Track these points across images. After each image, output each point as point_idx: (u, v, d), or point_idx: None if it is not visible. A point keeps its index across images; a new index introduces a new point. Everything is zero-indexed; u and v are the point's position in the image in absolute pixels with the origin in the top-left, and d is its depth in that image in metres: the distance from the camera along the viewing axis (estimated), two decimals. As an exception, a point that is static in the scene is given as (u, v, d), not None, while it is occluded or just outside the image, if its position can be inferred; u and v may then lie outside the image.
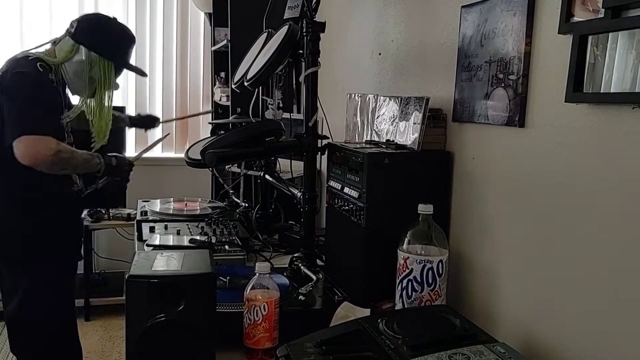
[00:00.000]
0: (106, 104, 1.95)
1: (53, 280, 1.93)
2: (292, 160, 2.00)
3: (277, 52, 1.69)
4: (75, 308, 2.16)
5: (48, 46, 1.93)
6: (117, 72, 1.97)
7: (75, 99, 2.02)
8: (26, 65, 1.80)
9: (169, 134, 2.31)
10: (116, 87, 1.99)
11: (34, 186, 1.85)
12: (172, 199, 2.59)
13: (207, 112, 2.34)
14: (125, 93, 4.05)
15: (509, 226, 1.27)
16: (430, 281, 1.25)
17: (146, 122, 2.47)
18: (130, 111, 4.05)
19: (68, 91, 1.96)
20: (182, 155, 1.86)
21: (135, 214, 2.52)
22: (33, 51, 1.89)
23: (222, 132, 2.31)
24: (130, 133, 4.07)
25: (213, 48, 3.66)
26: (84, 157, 1.85)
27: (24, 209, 1.87)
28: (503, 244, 1.29)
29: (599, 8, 0.99)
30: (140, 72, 2.16)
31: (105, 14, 2.03)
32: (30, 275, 1.89)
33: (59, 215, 1.93)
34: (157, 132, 3.16)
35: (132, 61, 2.05)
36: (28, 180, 1.82)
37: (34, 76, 1.78)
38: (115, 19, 1.99)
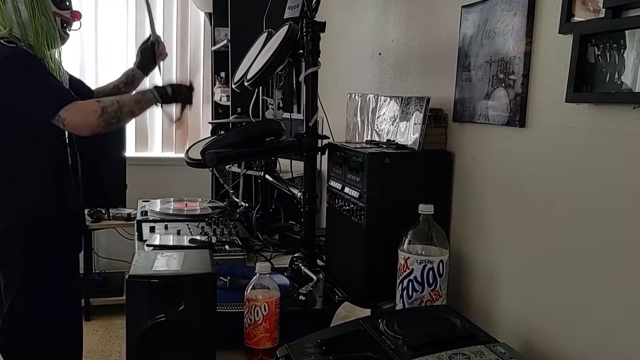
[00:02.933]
0: (55, 33, 1.78)
1: (52, 280, 1.91)
2: (292, 160, 2.00)
3: (277, 52, 1.69)
4: (80, 308, 2.11)
5: None
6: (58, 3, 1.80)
7: None
8: (9, 51, 1.67)
9: None
10: (77, 15, 1.83)
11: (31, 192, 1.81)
12: (172, 199, 2.59)
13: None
14: (125, 93, 4.05)
15: (509, 226, 1.27)
16: (430, 281, 1.25)
17: (149, 51, 2.23)
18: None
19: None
20: (182, 155, 1.85)
21: (136, 214, 2.52)
22: None
23: (222, 132, 2.31)
24: (130, 134, 4.08)
25: (213, 48, 3.66)
26: (133, 99, 1.78)
27: (16, 210, 1.82)
28: (503, 244, 1.29)
29: (599, 8, 0.99)
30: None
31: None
32: (29, 277, 1.86)
33: (56, 213, 1.89)
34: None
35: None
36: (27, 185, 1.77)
37: (13, 56, 1.67)
38: None
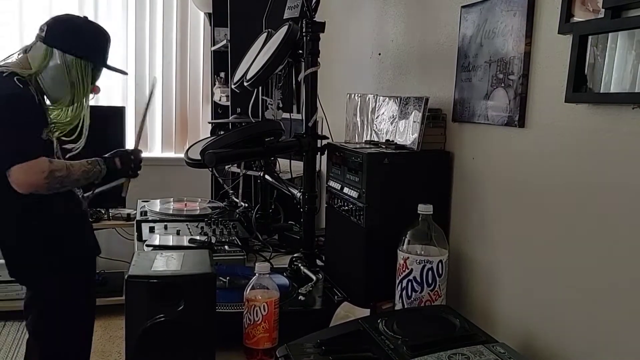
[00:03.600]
0: (85, 107, 1.88)
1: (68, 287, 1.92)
2: (292, 161, 2.00)
3: (276, 52, 1.69)
4: (94, 312, 2.13)
5: (19, 55, 1.85)
6: (96, 74, 1.89)
7: None
8: (3, 84, 1.71)
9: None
10: (97, 90, 1.92)
11: (34, 207, 1.81)
12: (171, 199, 2.59)
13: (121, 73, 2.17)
14: (125, 93, 4.05)
15: (509, 226, 1.27)
16: (430, 281, 1.25)
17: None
18: (130, 112, 4.06)
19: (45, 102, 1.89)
20: (182, 155, 1.85)
21: (135, 214, 2.52)
22: (7, 62, 1.82)
23: (221, 132, 2.31)
24: (130, 134, 4.08)
25: (213, 48, 3.66)
26: (82, 169, 1.79)
27: (25, 229, 1.84)
28: (503, 244, 1.29)
29: (598, 8, 0.99)
30: (121, 71, 2.05)
31: (77, 14, 1.95)
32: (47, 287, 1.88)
33: (63, 230, 1.91)
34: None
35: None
36: (27, 200, 1.76)
37: (13, 96, 1.70)
38: (86, 17, 1.91)
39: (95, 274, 2.08)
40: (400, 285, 1.28)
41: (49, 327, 1.92)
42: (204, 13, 4.05)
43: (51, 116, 1.87)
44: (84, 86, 1.84)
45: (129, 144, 3.98)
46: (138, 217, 2.28)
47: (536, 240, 1.18)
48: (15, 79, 1.72)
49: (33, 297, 1.95)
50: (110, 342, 3.35)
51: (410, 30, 1.74)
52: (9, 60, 1.84)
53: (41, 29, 1.83)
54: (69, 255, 1.90)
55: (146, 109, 2.12)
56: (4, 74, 1.73)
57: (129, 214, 3.58)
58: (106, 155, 1.90)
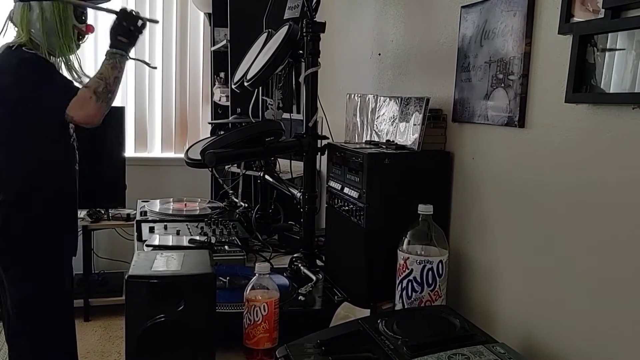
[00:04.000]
0: (72, 44, 1.96)
1: (48, 278, 1.93)
2: (292, 161, 2.00)
3: (277, 53, 1.69)
4: (72, 307, 2.15)
5: (7, 24, 1.95)
6: (78, 12, 1.95)
7: None
8: (13, 55, 1.84)
9: None
10: (92, 29, 1.99)
11: (32, 181, 1.90)
12: (171, 199, 2.59)
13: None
14: (125, 93, 4.05)
15: (509, 226, 1.27)
16: (430, 281, 1.25)
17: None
18: (130, 112, 4.06)
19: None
20: (182, 155, 1.86)
21: (135, 214, 2.52)
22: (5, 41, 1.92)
23: (221, 132, 2.31)
24: (130, 134, 4.08)
25: (213, 48, 3.66)
26: (110, 67, 1.89)
27: (18, 205, 1.89)
28: (503, 244, 1.29)
29: (598, 8, 0.99)
30: (107, 10, 2.04)
31: None
32: (25, 274, 1.89)
33: (54, 212, 1.94)
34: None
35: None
36: (27, 174, 1.88)
37: (25, 60, 1.83)
38: None
39: (71, 273, 2.11)
40: (400, 286, 1.28)
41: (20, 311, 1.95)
42: (204, 13, 4.05)
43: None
44: (68, 27, 1.92)
45: (129, 144, 3.99)
46: (138, 217, 2.28)
47: (536, 240, 1.18)
48: (23, 48, 1.85)
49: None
50: (110, 342, 3.35)
51: (410, 31, 1.74)
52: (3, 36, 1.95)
53: None
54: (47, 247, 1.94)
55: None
56: (13, 47, 1.87)
57: (128, 214, 3.58)
58: (110, 44, 1.95)
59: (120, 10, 1.98)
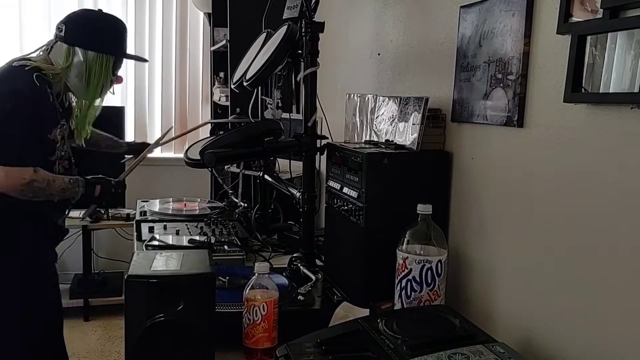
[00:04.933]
0: (99, 100, 1.92)
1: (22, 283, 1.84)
2: (291, 161, 2.00)
3: (276, 52, 1.69)
4: (59, 313, 2.05)
5: (40, 53, 1.86)
6: (117, 65, 1.92)
7: None
8: (20, 79, 1.73)
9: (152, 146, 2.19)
10: (120, 80, 1.96)
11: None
12: (171, 199, 2.59)
13: (205, 124, 2.26)
14: (124, 93, 4.05)
15: (508, 226, 1.27)
16: (429, 281, 1.25)
17: (142, 148, 2.28)
18: (130, 112, 4.06)
19: (71, 97, 1.94)
20: (181, 155, 1.85)
21: (135, 214, 2.52)
22: (31, 55, 1.83)
23: (221, 132, 2.31)
24: (130, 134, 4.08)
25: (212, 48, 3.66)
26: (62, 187, 1.77)
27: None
28: (502, 244, 1.29)
29: (597, 8, 0.99)
30: (140, 59, 2.13)
31: (91, 8, 1.99)
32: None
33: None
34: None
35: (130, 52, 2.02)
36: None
37: (23, 92, 1.71)
38: (101, 10, 1.93)
39: (52, 284, 2.01)
40: (399, 285, 1.29)
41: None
42: (204, 13, 4.05)
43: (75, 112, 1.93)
44: (107, 79, 1.88)
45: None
46: (137, 217, 2.28)
47: (535, 240, 1.18)
48: (34, 75, 1.73)
49: None
50: (110, 342, 3.35)
51: (409, 31, 1.75)
52: (32, 55, 1.85)
53: (59, 28, 1.85)
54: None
55: (148, 150, 2.16)
56: (26, 67, 1.75)
57: (128, 214, 3.58)
58: (89, 178, 1.87)
59: (121, 183, 1.97)
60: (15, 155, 1.68)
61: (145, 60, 2.21)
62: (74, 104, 1.95)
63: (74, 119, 1.93)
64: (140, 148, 2.25)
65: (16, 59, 1.81)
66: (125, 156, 2.34)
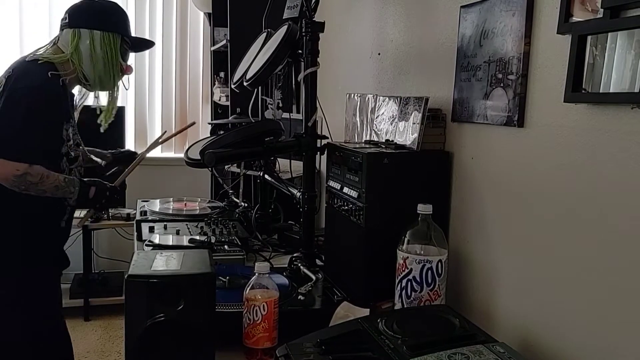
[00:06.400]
0: (116, 80, 1.90)
1: (31, 291, 1.83)
2: (292, 160, 2.00)
3: (276, 52, 1.69)
4: (62, 323, 2.03)
5: (49, 47, 1.87)
6: (124, 49, 1.90)
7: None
8: (35, 75, 1.73)
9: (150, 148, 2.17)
10: (130, 70, 1.95)
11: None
12: (171, 199, 2.59)
13: (190, 125, 2.21)
14: (124, 93, 4.03)
15: (508, 226, 1.27)
16: (429, 281, 1.25)
17: (128, 158, 2.21)
18: (130, 112, 4.06)
19: (81, 91, 1.95)
20: (182, 155, 1.85)
21: (135, 213, 2.52)
22: (41, 52, 1.84)
23: (221, 132, 2.31)
24: (130, 133, 4.08)
25: (212, 48, 3.66)
26: (55, 184, 1.73)
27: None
28: (502, 244, 1.29)
29: (597, 8, 0.99)
30: (147, 42, 2.08)
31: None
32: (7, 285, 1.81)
33: (39, 222, 1.85)
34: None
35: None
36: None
37: (37, 89, 1.71)
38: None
39: (59, 287, 2.01)
40: (399, 285, 1.29)
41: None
42: (204, 13, 4.05)
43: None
44: (115, 60, 1.87)
45: (129, 144, 3.99)
46: (138, 217, 2.29)
47: (535, 240, 1.18)
48: (48, 72, 1.74)
49: None
50: (110, 342, 3.35)
51: (409, 30, 1.75)
52: (39, 52, 1.85)
53: (63, 18, 1.87)
54: (33, 259, 1.83)
55: (144, 153, 2.10)
56: (39, 62, 1.76)
57: (128, 214, 3.58)
58: (85, 179, 1.85)
59: (116, 188, 1.93)
60: (14, 150, 1.67)
61: (152, 44, 2.11)
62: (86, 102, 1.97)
63: (72, 123, 1.90)
64: (127, 159, 2.17)
65: (28, 55, 1.82)
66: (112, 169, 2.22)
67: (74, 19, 1.85)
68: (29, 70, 1.75)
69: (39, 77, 1.73)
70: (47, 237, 1.89)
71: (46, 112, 1.74)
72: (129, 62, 1.96)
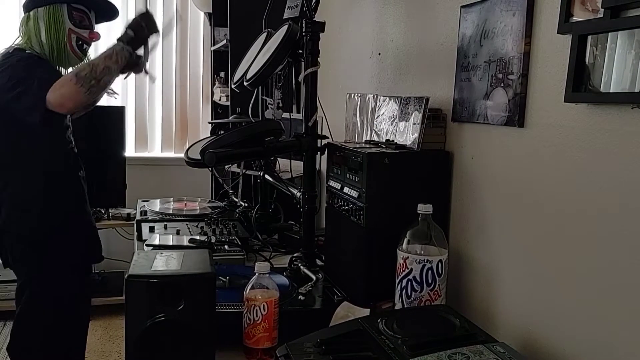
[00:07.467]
0: (67, 48, 1.90)
1: (64, 278, 1.92)
2: (292, 160, 2.00)
3: (276, 52, 1.69)
4: (89, 310, 2.14)
5: (18, 37, 1.93)
6: (73, 15, 1.90)
7: None
8: (12, 54, 1.82)
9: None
10: (97, 36, 1.96)
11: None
12: (171, 199, 2.59)
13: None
14: (125, 93, 4.05)
15: (508, 226, 1.27)
16: (429, 281, 1.25)
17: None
18: (130, 112, 4.06)
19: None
20: (182, 155, 1.86)
21: (135, 213, 2.52)
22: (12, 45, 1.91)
23: (221, 131, 2.31)
24: (130, 133, 4.08)
25: (213, 48, 3.66)
26: (104, 56, 1.80)
27: (45, 195, 1.88)
28: (502, 244, 1.29)
29: (598, 8, 0.99)
30: (109, 5, 2.03)
31: None
32: (42, 268, 1.88)
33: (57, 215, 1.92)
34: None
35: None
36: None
37: (23, 57, 1.80)
38: None
39: (91, 275, 2.08)
40: (400, 285, 1.29)
41: (35, 318, 1.92)
42: (204, 13, 4.05)
43: None
44: (60, 28, 1.88)
45: (129, 144, 3.99)
46: (138, 217, 2.29)
47: (536, 240, 1.18)
48: (27, 52, 1.84)
49: (23, 284, 1.94)
50: (110, 342, 3.35)
51: (410, 30, 1.75)
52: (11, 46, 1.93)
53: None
54: (69, 249, 1.92)
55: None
56: (11, 50, 1.86)
57: (129, 214, 3.58)
58: (117, 39, 1.91)
59: (143, 13, 1.96)
60: (47, 82, 1.70)
61: (114, 8, 2.05)
62: None
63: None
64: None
65: (3, 50, 1.90)
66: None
67: (25, 6, 1.92)
68: (8, 55, 1.83)
69: (20, 56, 1.81)
70: (67, 189, 1.95)
71: (39, 68, 1.80)
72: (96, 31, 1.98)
